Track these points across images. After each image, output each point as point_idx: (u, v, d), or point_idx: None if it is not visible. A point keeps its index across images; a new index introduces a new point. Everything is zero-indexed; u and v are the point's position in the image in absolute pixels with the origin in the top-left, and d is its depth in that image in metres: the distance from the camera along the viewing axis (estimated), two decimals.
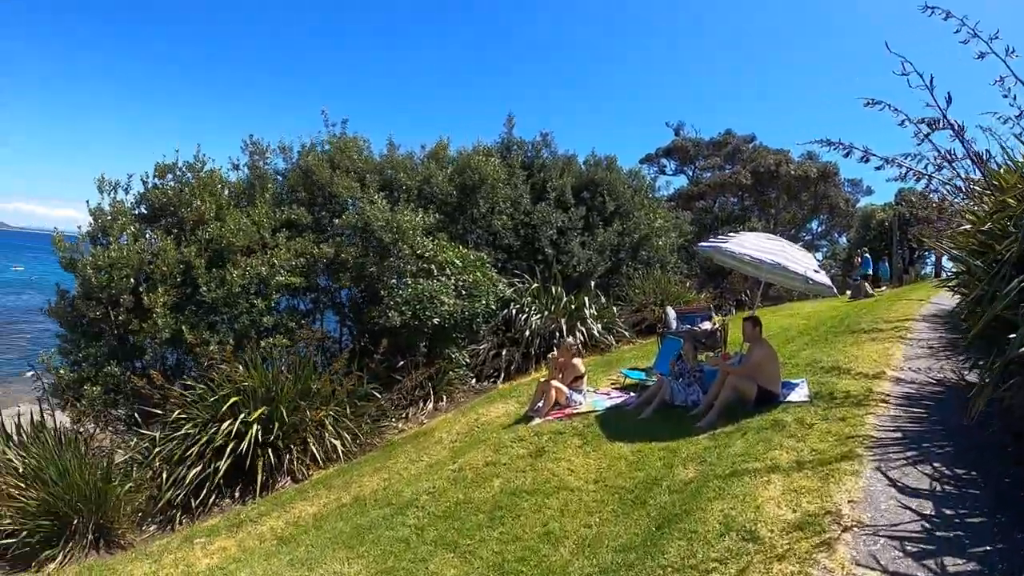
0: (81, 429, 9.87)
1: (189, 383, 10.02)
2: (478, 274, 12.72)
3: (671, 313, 12.45)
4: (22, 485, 8.11)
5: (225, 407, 9.18)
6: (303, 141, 14.10)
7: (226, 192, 12.42)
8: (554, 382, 9.44)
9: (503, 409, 10.43)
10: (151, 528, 8.69)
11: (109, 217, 11.04)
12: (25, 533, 7.84)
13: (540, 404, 9.44)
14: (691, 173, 39.04)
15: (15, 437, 9.14)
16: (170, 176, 11.78)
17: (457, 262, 12.65)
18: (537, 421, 9.12)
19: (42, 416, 9.32)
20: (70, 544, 7.90)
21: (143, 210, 11.67)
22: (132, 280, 10.42)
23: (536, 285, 14.59)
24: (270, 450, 9.22)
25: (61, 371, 10.45)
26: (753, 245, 8.91)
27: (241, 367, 9.85)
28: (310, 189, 13.16)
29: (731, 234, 10.51)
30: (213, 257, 11.23)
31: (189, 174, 11.92)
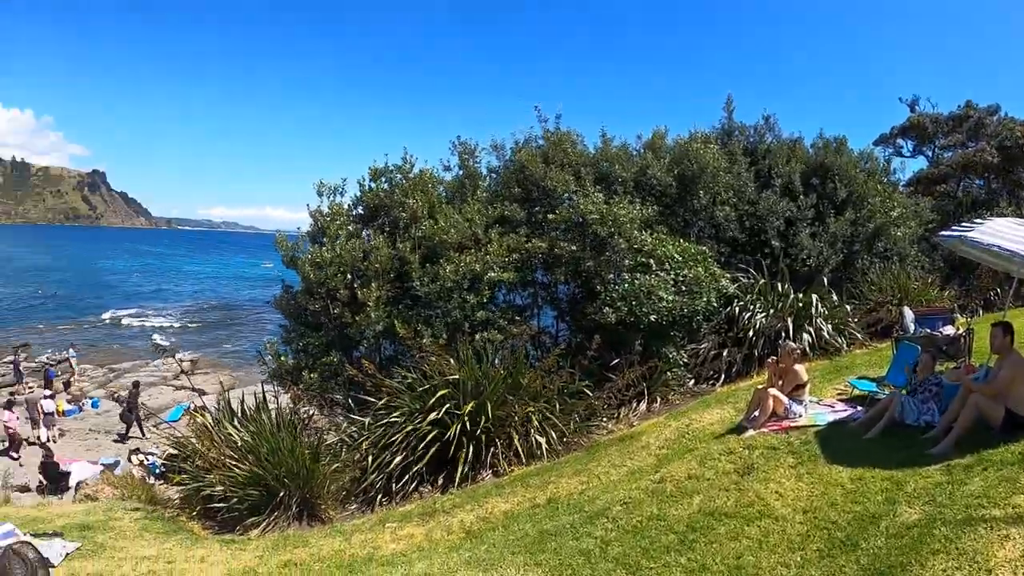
0: (299, 411, 10.50)
1: (402, 373, 10.27)
2: (699, 269, 11.91)
3: (908, 315, 10.78)
4: (236, 457, 8.80)
5: (433, 399, 9.29)
6: (516, 138, 14.12)
7: (439, 191, 12.78)
8: (772, 390, 8.42)
9: (717, 415, 9.60)
10: (352, 507, 9.06)
11: (327, 218, 11.73)
12: (235, 500, 8.55)
13: (755, 414, 8.46)
14: (930, 153, 34.43)
15: (239, 414, 9.95)
16: (383, 179, 12.39)
17: (677, 256, 11.93)
18: (750, 433, 8.17)
19: (264, 397, 9.99)
20: (275, 514, 8.46)
21: (360, 211, 12.41)
22: (348, 276, 10.96)
23: (762, 281, 13.45)
24: (474, 443, 9.15)
25: (283, 358, 11.32)
26: (1005, 234, 7.40)
27: (452, 360, 9.94)
28: (524, 185, 13.09)
29: (977, 221, 8.78)
30: (427, 254, 11.55)
31: (399, 176, 12.45)
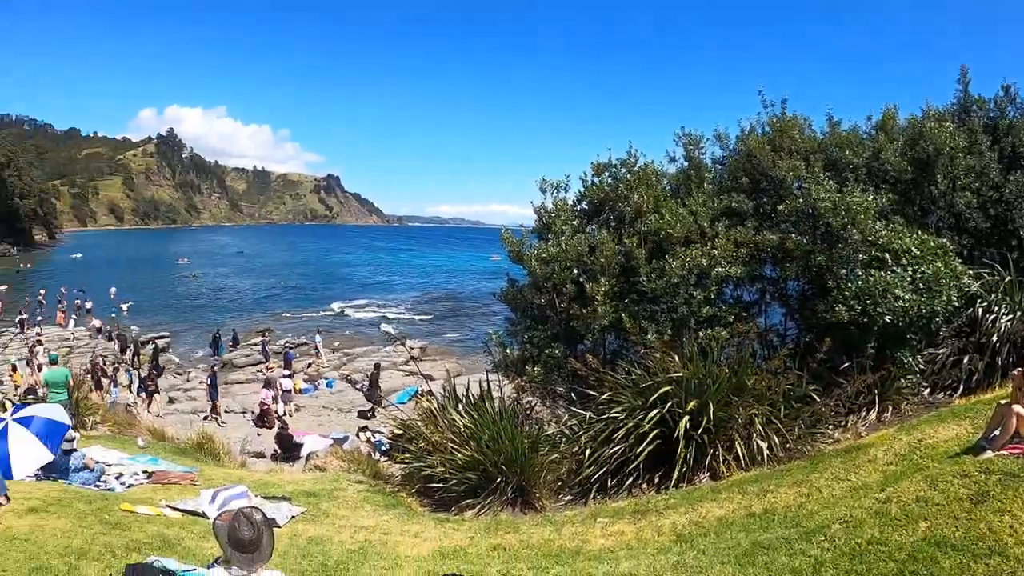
0: (521, 401, 10.54)
1: (625, 368, 10.07)
2: (939, 264, 10.56)
3: None
4: (458, 442, 9.05)
5: (655, 395, 8.89)
6: (741, 125, 13.35)
7: (663, 184, 12.36)
8: (1016, 407, 7.14)
9: (954, 431, 8.41)
10: (565, 499, 8.99)
11: (552, 214, 11.81)
12: (454, 482, 8.81)
13: (995, 433, 7.21)
14: None
15: (463, 401, 10.18)
16: (607, 173, 12.19)
17: (914, 249, 10.72)
18: (989, 454, 7.00)
19: (488, 386, 10.18)
20: (490, 498, 8.61)
21: (584, 206, 12.33)
22: (574, 271, 10.95)
23: (1008, 278, 11.68)
24: (694, 443, 8.69)
25: (507, 349, 11.57)
26: None
27: (676, 357, 9.52)
28: (751, 174, 12.34)
29: None
30: (653, 249, 11.23)
31: (623, 170, 12.16)
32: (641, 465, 8.66)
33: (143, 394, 24.00)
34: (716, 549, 6.32)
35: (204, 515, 8.28)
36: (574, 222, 11.70)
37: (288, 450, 17.44)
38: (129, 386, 25.65)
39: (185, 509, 8.52)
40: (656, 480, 8.83)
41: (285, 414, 22.35)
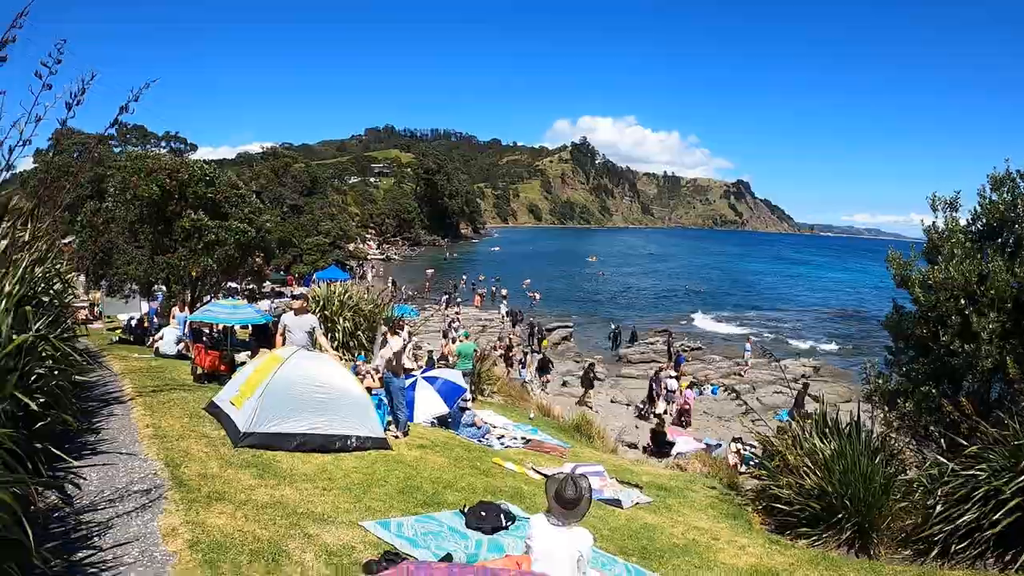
0: (888, 438, 9.91)
1: (1005, 420, 9.00)
2: None
3: None
4: (812, 468, 8.86)
5: None
6: None
7: None
8: None
9: None
10: (905, 552, 8.29)
11: (942, 235, 10.70)
12: (796, 507, 8.69)
13: None
14: None
15: (830, 428, 9.72)
16: (1005, 189, 10.49)
17: None
18: None
19: (859, 417, 9.73)
20: (827, 533, 8.34)
21: (979, 227, 10.87)
22: (961, 301, 9.88)
23: None
24: None
25: (880, 380, 10.83)
26: None
27: None
28: None
29: None
30: None
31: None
32: (994, 536, 7.58)
33: (540, 375, 27.20)
34: None
35: None
36: (967, 244, 10.36)
37: (660, 446, 18.19)
38: (528, 366, 29.13)
39: (546, 474, 9.84)
40: (1008, 557, 7.61)
41: (664, 412, 23.28)
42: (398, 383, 10.30)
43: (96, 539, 4.84)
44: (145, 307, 24.54)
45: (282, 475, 7.13)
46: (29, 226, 5.90)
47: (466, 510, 6.96)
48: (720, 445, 18.39)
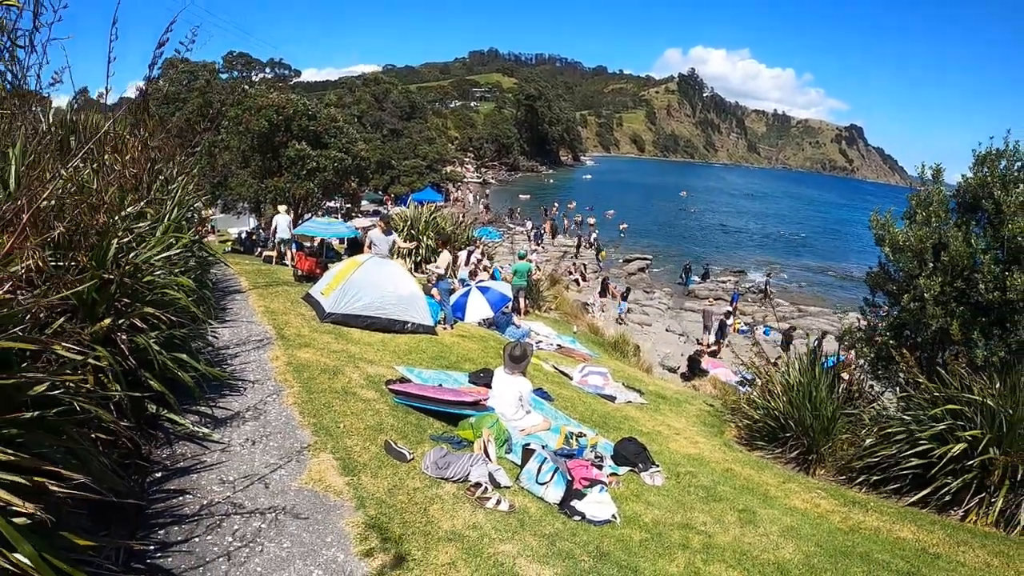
0: (853, 374, 10.95)
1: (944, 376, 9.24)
2: None
3: None
4: (778, 391, 10.14)
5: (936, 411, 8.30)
6: None
7: None
8: None
9: None
10: (841, 478, 9.03)
11: (921, 201, 11.09)
12: (760, 424, 10.09)
13: None
14: None
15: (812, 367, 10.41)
16: (984, 166, 10.76)
17: None
18: None
19: (820, 353, 10.80)
20: (778, 450, 9.54)
21: (966, 199, 10.96)
22: (914, 263, 10.55)
23: None
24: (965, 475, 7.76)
25: (854, 329, 12.19)
26: None
27: (991, 381, 8.47)
28: None
29: None
30: (1012, 258, 9.95)
31: (1003, 161, 10.62)
32: (909, 475, 8.29)
33: (603, 297, 30.32)
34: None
35: (570, 376, 12.01)
36: (940, 214, 10.79)
37: (694, 372, 19.45)
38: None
39: (562, 371, 12.36)
40: (922, 495, 8.08)
41: (710, 345, 25.06)
42: (443, 285, 13.55)
43: (230, 361, 7.98)
44: (253, 223, 29.66)
45: (352, 340, 10.20)
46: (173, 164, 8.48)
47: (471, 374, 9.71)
48: (754, 380, 19.71)
